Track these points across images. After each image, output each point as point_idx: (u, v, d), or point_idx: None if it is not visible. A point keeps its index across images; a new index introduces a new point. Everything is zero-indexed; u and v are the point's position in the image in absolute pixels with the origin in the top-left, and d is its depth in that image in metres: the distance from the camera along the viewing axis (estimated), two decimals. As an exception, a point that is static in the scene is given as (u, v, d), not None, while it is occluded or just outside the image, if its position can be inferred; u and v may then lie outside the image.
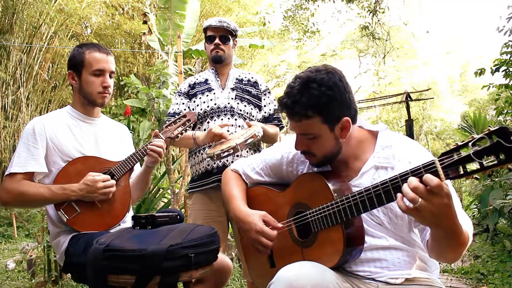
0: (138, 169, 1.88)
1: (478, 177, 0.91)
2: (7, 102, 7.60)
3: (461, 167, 0.91)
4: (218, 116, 2.08)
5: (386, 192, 1.05)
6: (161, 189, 3.88)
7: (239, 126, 2.08)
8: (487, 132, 0.87)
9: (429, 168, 0.95)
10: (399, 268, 1.19)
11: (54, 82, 8.94)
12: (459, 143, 0.92)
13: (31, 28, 8.14)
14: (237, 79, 2.20)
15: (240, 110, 2.11)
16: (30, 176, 1.59)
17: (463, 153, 0.90)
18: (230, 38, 2.18)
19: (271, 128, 2.14)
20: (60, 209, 1.58)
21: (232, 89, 2.15)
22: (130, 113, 4.68)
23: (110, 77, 1.74)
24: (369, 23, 9.03)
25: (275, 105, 2.25)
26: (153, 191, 3.77)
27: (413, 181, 0.94)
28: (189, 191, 2.17)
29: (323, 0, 8.91)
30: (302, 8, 9.69)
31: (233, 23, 2.20)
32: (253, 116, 2.15)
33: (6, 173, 1.58)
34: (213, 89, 2.15)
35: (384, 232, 1.20)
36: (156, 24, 7.21)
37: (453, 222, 1.00)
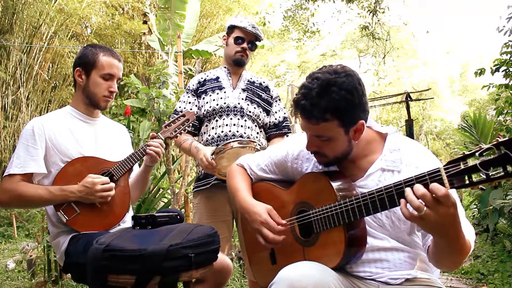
0: (137, 169, 1.88)
1: (484, 188, 0.89)
2: (7, 102, 7.60)
3: (466, 176, 0.89)
4: (227, 115, 2.08)
5: (389, 197, 1.04)
6: (161, 189, 3.88)
7: (248, 128, 2.09)
8: (495, 143, 0.85)
9: (434, 175, 0.94)
10: (400, 268, 1.19)
11: (54, 82, 8.93)
12: (466, 152, 0.90)
13: (31, 28, 8.13)
14: (249, 81, 2.20)
15: (250, 112, 2.10)
16: (29, 177, 1.59)
17: (470, 162, 0.89)
18: (255, 46, 2.21)
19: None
20: (59, 210, 1.58)
21: (243, 90, 2.16)
22: (130, 113, 4.68)
23: (116, 82, 1.76)
24: (369, 23, 9.04)
25: (284, 113, 2.26)
26: (153, 191, 3.77)
27: (420, 188, 0.93)
28: (194, 190, 2.17)
29: (323, 0, 8.91)
30: (302, 8, 9.69)
31: (260, 31, 2.21)
32: (260, 119, 2.15)
33: (5, 173, 1.58)
34: (224, 88, 2.14)
35: (386, 234, 1.20)
36: (156, 24, 7.21)
37: (457, 232, 0.99)
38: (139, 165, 1.90)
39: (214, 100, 2.10)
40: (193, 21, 7.73)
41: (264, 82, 2.25)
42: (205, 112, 2.10)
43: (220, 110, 2.08)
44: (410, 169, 1.17)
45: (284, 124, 2.23)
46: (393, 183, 1.03)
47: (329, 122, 1.15)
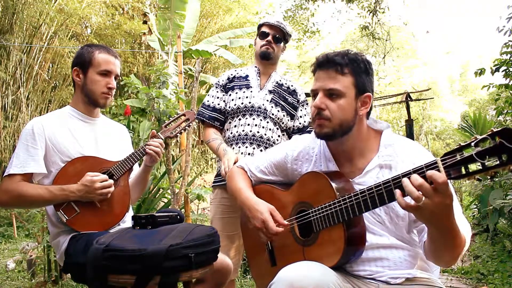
0: (137, 169, 1.88)
1: (481, 178, 0.90)
2: (7, 102, 7.59)
3: (463, 167, 0.90)
4: (250, 115, 2.08)
5: (388, 191, 1.06)
6: (161, 189, 3.88)
7: (269, 129, 2.09)
8: (490, 133, 0.86)
9: (431, 168, 0.95)
10: (401, 267, 1.20)
11: (54, 82, 8.92)
12: (462, 144, 0.91)
13: (31, 28, 8.13)
14: (277, 83, 2.20)
15: (273, 114, 2.10)
16: (29, 176, 1.59)
17: (466, 153, 0.90)
18: (283, 40, 2.19)
19: None
20: (59, 210, 1.58)
21: (270, 91, 2.15)
22: (130, 113, 4.68)
23: (115, 79, 1.76)
24: (369, 23, 9.04)
25: (310, 118, 2.26)
26: (153, 191, 3.76)
27: (418, 178, 0.94)
28: (213, 185, 2.18)
29: (323, 0, 8.91)
30: (302, 8, 9.69)
31: (289, 27, 2.21)
32: (283, 123, 2.14)
33: (5, 173, 1.58)
34: (251, 87, 2.15)
35: (386, 231, 1.21)
36: (156, 24, 7.21)
37: (451, 224, 1.00)
38: (139, 165, 1.90)
39: (239, 98, 2.11)
40: (193, 21, 7.74)
41: (292, 85, 2.25)
42: (229, 109, 2.11)
43: (244, 109, 2.09)
44: (407, 165, 1.18)
45: (308, 128, 2.22)
46: (391, 177, 1.05)
47: (345, 77, 1.22)
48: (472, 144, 0.89)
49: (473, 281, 3.19)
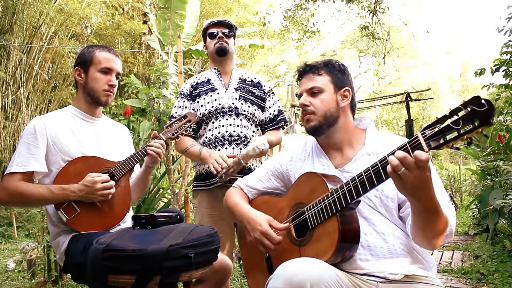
0: (138, 169, 1.88)
1: (459, 147, 0.95)
2: (7, 102, 7.59)
3: (441, 137, 0.96)
4: (223, 116, 2.08)
5: (376, 173, 1.10)
6: (161, 189, 3.87)
7: (244, 127, 2.09)
8: (462, 103, 0.93)
9: (413, 142, 1.00)
10: (395, 255, 1.21)
11: (54, 82, 8.92)
12: (438, 117, 0.98)
13: (31, 28, 8.13)
14: (240, 79, 2.20)
15: (244, 111, 2.11)
16: (30, 175, 1.59)
17: (443, 125, 0.96)
18: (232, 34, 2.20)
19: (274, 136, 2.17)
20: (60, 209, 1.58)
21: (236, 89, 2.15)
22: (130, 113, 4.67)
23: (116, 78, 1.76)
24: (369, 23, 9.04)
25: (279, 106, 2.26)
26: (153, 191, 3.76)
27: (401, 152, 1.00)
28: (194, 189, 2.16)
29: (323, 0, 8.92)
30: (302, 8, 9.70)
31: (229, 20, 2.24)
32: (255, 117, 2.14)
33: (6, 172, 1.58)
34: (217, 89, 2.14)
35: (377, 215, 1.25)
36: (156, 24, 7.22)
37: (431, 196, 1.04)
38: (140, 166, 1.90)
39: (208, 102, 2.10)
40: (193, 21, 7.73)
41: (255, 78, 2.25)
42: (201, 116, 2.10)
43: (216, 112, 2.09)
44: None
45: (279, 117, 2.23)
46: (378, 159, 1.10)
47: (322, 76, 1.41)
48: (448, 114, 0.95)
49: (473, 281, 3.19)
